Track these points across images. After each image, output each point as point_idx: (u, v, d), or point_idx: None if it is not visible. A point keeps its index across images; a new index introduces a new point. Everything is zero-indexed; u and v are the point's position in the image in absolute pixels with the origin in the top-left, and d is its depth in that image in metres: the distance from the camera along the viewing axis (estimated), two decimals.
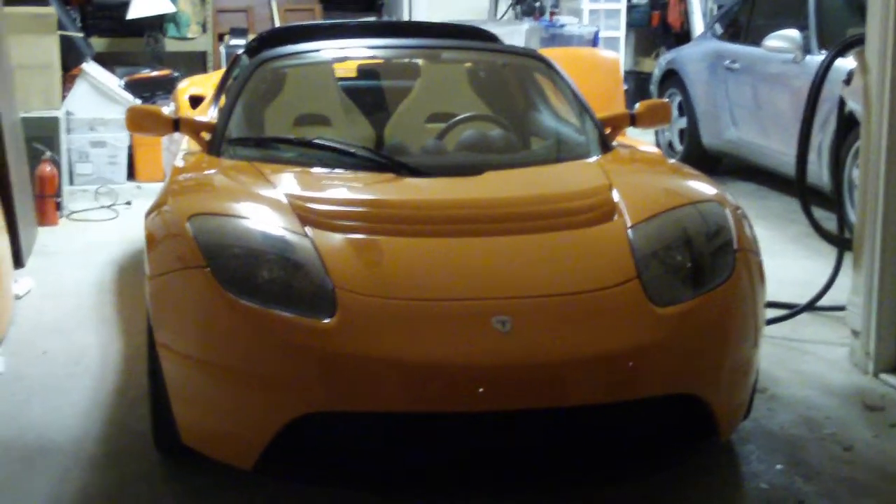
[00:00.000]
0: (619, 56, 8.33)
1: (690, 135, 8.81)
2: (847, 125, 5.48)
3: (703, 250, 3.54)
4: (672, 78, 9.12)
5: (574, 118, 4.66)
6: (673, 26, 11.55)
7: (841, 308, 4.94)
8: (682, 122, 8.94)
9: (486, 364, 3.12)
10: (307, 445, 3.20)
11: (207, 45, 10.30)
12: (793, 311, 5.15)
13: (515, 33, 9.12)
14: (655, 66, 9.78)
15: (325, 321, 3.17)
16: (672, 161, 4.61)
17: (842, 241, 5.04)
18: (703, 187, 3.94)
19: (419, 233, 3.52)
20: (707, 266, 3.49)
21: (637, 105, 4.70)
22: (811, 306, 5.18)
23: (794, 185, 5.43)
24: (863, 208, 4.61)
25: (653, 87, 9.54)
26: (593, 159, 4.27)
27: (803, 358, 4.76)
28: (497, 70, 5.19)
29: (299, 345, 3.15)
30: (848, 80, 4.76)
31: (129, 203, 7.68)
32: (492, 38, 5.52)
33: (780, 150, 7.44)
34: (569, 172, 4.17)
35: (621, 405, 3.22)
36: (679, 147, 9.03)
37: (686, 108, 8.84)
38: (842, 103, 4.92)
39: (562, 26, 9.71)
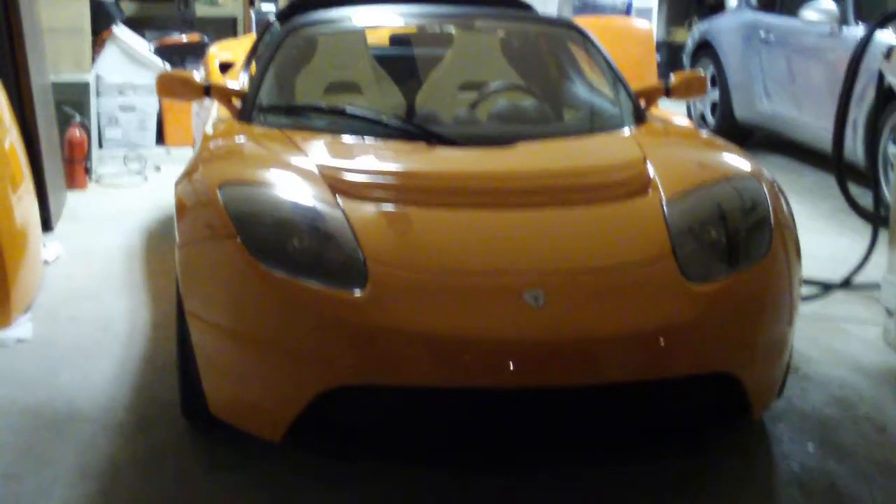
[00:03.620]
0: (651, 26, 8.23)
1: (723, 107, 8.72)
2: (885, 100, 5.40)
3: (738, 227, 3.49)
4: (705, 49, 9.01)
5: (608, 89, 4.60)
6: None
7: (875, 286, 4.88)
8: (715, 95, 8.83)
9: (518, 339, 3.08)
10: (336, 419, 3.17)
11: (238, 11, 10.25)
12: (826, 288, 5.09)
13: (549, 2, 9.03)
14: (689, 37, 9.67)
15: (356, 293, 3.14)
16: (706, 134, 4.53)
17: (877, 218, 4.96)
18: (739, 162, 3.88)
19: (451, 204, 3.48)
20: (743, 243, 3.44)
21: (671, 76, 4.63)
22: (845, 284, 5.12)
23: (829, 160, 5.37)
24: None
25: (686, 58, 9.43)
26: (627, 131, 4.22)
27: (836, 336, 4.70)
28: (531, 39, 5.13)
29: (329, 317, 3.12)
30: (888, 55, 4.68)
31: (158, 168, 7.67)
32: (525, 6, 5.47)
33: (814, 125, 7.35)
34: (603, 144, 4.12)
35: (654, 383, 3.17)
36: (711, 120, 8.93)
37: (719, 80, 8.74)
38: (881, 78, 4.83)
39: None
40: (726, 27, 8.83)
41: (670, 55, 10.71)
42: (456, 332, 3.08)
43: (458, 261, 3.26)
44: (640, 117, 4.39)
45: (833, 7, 7.21)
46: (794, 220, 3.70)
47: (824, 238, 6.07)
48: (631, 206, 3.54)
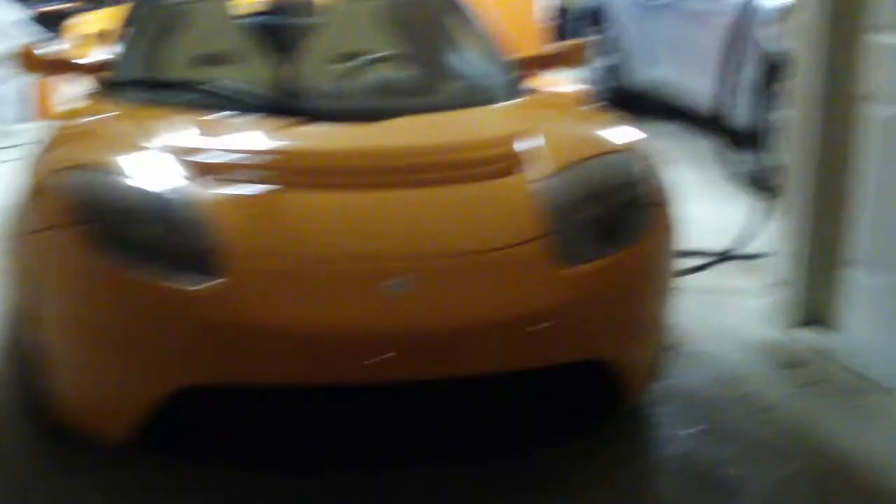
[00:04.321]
0: None
1: (617, 73, 8.61)
2: (769, 67, 5.31)
3: (611, 206, 3.36)
4: (599, 13, 8.88)
5: (484, 60, 4.43)
6: None
7: (761, 256, 4.79)
8: (608, 60, 8.71)
9: (379, 331, 2.91)
10: (188, 419, 2.98)
11: None
12: (711, 260, 5.00)
13: None
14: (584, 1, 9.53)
15: (207, 286, 2.93)
16: (587, 106, 4.37)
17: (761, 187, 4.86)
18: (615, 136, 3.74)
19: (313, 185, 3.28)
20: (616, 223, 3.31)
21: (549, 46, 4.48)
22: (730, 255, 5.02)
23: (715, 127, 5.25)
24: (795, 152, 4.43)
25: (580, 23, 9.29)
26: (503, 104, 4.05)
27: (721, 311, 4.61)
28: (407, 8, 4.91)
29: (179, 312, 2.91)
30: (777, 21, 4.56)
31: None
32: None
33: (700, 90, 7.23)
34: (475, 119, 3.95)
35: (523, 373, 3.03)
36: (607, 86, 8.81)
37: (613, 46, 8.62)
38: (763, 43, 4.71)
39: None
40: None
41: (571, 20, 10.49)
42: (312, 325, 2.90)
43: (316, 247, 3.07)
44: (517, 89, 4.23)
45: None
46: (670, 196, 3.57)
47: (713, 206, 5.94)
48: (500, 185, 3.37)
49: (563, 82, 7.41)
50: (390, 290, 2.94)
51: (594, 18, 9.02)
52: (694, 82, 7.36)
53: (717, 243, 5.12)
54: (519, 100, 4.12)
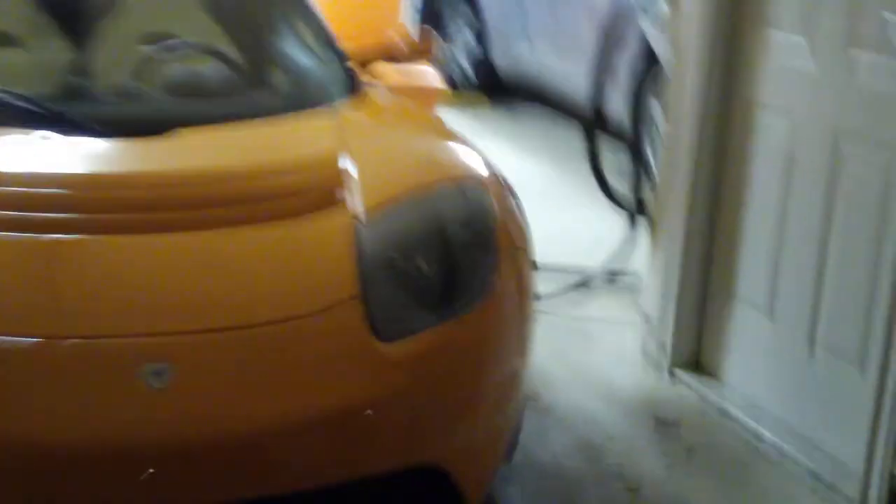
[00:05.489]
0: None
1: (483, 60, 7.90)
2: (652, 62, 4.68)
3: (453, 254, 2.63)
4: None
5: (312, 53, 3.66)
6: None
7: (637, 278, 4.17)
8: (473, 39, 8.01)
9: (134, 442, 2.14)
10: None
11: None
12: (578, 282, 4.36)
13: None
14: None
15: None
16: (433, 112, 3.63)
17: (635, 205, 4.22)
18: (462, 156, 3.03)
19: (51, 227, 2.42)
20: (458, 277, 2.58)
21: (394, 34, 3.76)
22: (605, 277, 4.39)
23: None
24: (667, 172, 3.80)
25: (445, 4, 8.56)
26: (332, 110, 3.28)
27: (588, 345, 3.98)
28: None
29: None
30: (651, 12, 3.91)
31: None
32: None
33: (574, 82, 6.58)
34: (292, 130, 3.16)
35: (333, 489, 2.30)
36: (471, 73, 8.11)
37: (476, 23, 7.92)
38: (643, 38, 4.07)
39: None
40: None
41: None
42: (42, 435, 2.11)
43: (47, 320, 2.27)
44: (349, 89, 3.48)
45: None
46: (527, 232, 2.89)
47: (589, 214, 5.28)
48: (310, 227, 2.59)
49: (416, 74, 6.69)
50: (150, 382, 2.18)
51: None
52: (568, 72, 6.68)
53: (589, 260, 4.47)
54: (354, 99, 3.37)
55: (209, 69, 3.55)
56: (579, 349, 3.93)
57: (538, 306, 3.95)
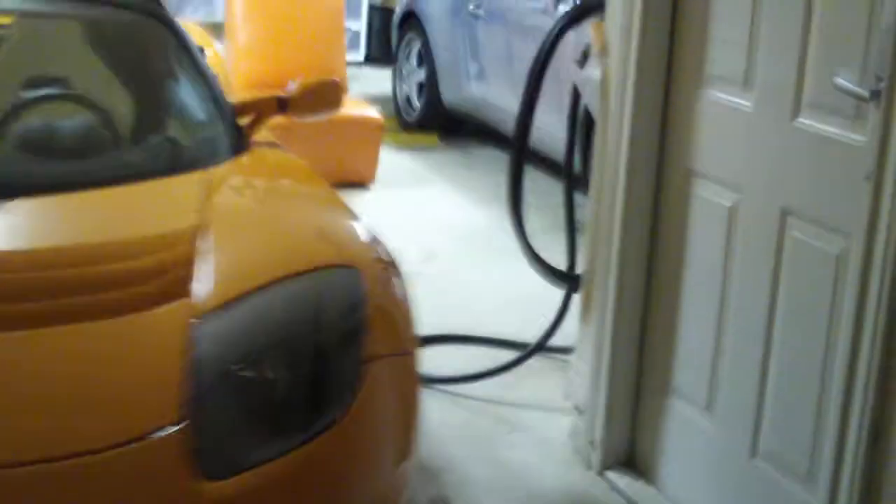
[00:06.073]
0: None
1: (430, 90, 7.48)
2: (587, 123, 4.25)
3: (313, 357, 2.20)
4: (413, 20, 7.73)
5: (195, 106, 3.22)
6: None
7: (570, 350, 3.72)
8: (423, 75, 7.59)
9: None
10: None
11: None
12: (509, 362, 3.90)
13: None
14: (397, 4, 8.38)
15: None
16: (322, 180, 3.15)
17: (568, 278, 3.76)
18: (342, 234, 2.60)
19: None
20: (317, 387, 2.16)
21: (292, 85, 3.30)
22: (537, 348, 3.92)
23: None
24: (594, 245, 3.35)
25: (393, 31, 8.15)
26: (205, 173, 2.84)
27: (514, 437, 3.52)
28: (105, 30, 3.59)
29: None
30: (582, 61, 3.46)
31: None
32: None
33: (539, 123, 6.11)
34: (151, 200, 2.72)
35: None
36: (417, 104, 7.68)
37: (426, 58, 7.50)
38: (576, 94, 3.62)
39: None
40: None
41: (386, 24, 9.33)
42: None
43: None
44: (239, 148, 3.05)
45: None
46: (411, 329, 2.44)
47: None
48: (140, 327, 2.16)
49: (360, 106, 6.26)
50: None
51: (404, 26, 7.87)
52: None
53: (529, 327, 4.01)
54: (236, 160, 2.93)
55: (72, 122, 3.11)
56: (504, 443, 3.48)
57: (463, 390, 3.52)
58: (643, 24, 3.04)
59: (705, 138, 2.92)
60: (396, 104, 7.87)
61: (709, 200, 2.92)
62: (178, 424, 1.98)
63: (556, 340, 3.89)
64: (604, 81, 3.24)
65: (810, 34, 2.52)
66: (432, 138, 7.47)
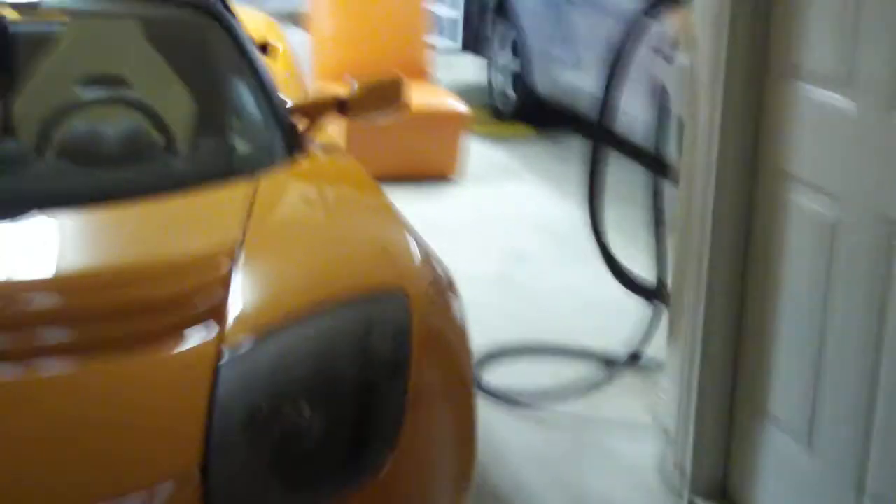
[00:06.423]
0: None
1: (524, 80, 7.20)
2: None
3: (351, 402, 1.97)
4: (505, 7, 7.45)
5: (247, 106, 3.02)
6: None
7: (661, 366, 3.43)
8: (517, 64, 7.30)
9: None
10: None
11: None
12: (609, 366, 3.63)
13: None
14: None
15: None
16: (378, 187, 2.91)
17: (656, 293, 3.47)
18: (392, 252, 2.37)
19: None
20: (358, 427, 1.93)
21: (354, 85, 3.09)
22: (631, 359, 3.65)
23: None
24: (680, 256, 3.06)
25: (486, 20, 7.89)
26: (252, 180, 2.62)
27: (596, 462, 3.26)
28: (152, 28, 3.40)
29: None
30: (668, 52, 3.17)
31: None
32: None
33: (626, 111, 5.79)
34: (191, 212, 2.51)
35: None
36: (512, 95, 7.41)
37: (519, 47, 7.22)
38: (663, 92, 3.32)
39: None
40: None
41: (481, 9, 9.03)
42: None
43: None
44: (291, 151, 2.84)
45: None
46: (466, 344, 2.22)
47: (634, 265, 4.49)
48: (164, 359, 1.97)
49: (439, 96, 6.01)
50: None
51: (497, 14, 7.59)
52: (626, 107, 5.85)
53: (618, 337, 3.74)
54: (275, 173, 2.72)
55: (116, 128, 2.94)
56: (585, 468, 3.22)
57: (541, 408, 3.27)
58: (733, 12, 2.74)
59: (802, 139, 2.61)
60: (491, 94, 7.61)
61: (807, 209, 2.61)
62: (191, 474, 1.77)
63: (647, 352, 3.61)
64: (690, 75, 2.94)
65: None
66: (527, 129, 7.21)
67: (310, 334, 2.02)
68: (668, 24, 3.11)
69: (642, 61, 3.47)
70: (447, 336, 2.21)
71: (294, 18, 7.09)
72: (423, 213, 5.52)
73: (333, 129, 3.10)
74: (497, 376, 3.69)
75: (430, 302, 2.21)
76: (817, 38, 2.52)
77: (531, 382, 3.66)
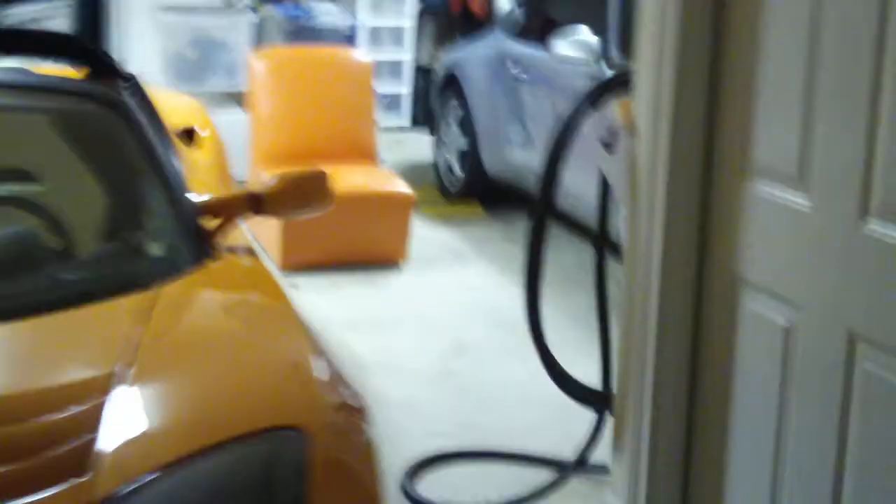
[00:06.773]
0: (369, 60, 6.49)
1: (472, 158, 7.00)
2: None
3: None
4: (454, 85, 7.27)
5: (148, 208, 2.76)
6: (476, 13, 9.55)
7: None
8: (465, 142, 7.10)
9: None
10: None
11: None
12: (560, 472, 3.36)
13: (238, 25, 7.10)
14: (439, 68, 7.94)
15: None
16: (284, 297, 2.64)
17: (600, 397, 3.23)
18: (291, 380, 2.10)
19: None
20: None
21: (272, 180, 2.83)
22: (578, 464, 3.38)
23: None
24: (625, 366, 2.82)
25: (433, 97, 7.70)
26: (149, 294, 2.36)
27: None
28: (60, 122, 3.12)
29: None
30: (609, 142, 2.95)
31: None
32: (85, 51, 3.40)
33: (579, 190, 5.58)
34: (70, 335, 2.25)
35: None
36: (460, 173, 7.20)
37: (467, 125, 7.03)
38: (605, 181, 3.11)
39: (311, 16, 7.71)
40: (474, 58, 7.11)
41: (429, 87, 8.83)
42: None
43: None
44: (200, 252, 2.58)
45: (592, 40, 5.56)
46: (374, 486, 1.96)
47: (588, 361, 4.19)
48: None
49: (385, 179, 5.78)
50: None
51: (445, 91, 7.41)
52: (576, 186, 5.63)
53: (555, 440, 3.48)
54: (175, 285, 2.45)
55: (5, 231, 2.66)
56: None
57: None
58: (676, 100, 2.53)
59: (754, 241, 2.38)
60: (438, 173, 7.40)
61: (761, 316, 2.38)
62: None
63: (595, 455, 3.35)
64: (632, 167, 2.72)
65: (880, 116, 1.99)
66: (475, 209, 6.99)
67: (182, 485, 1.77)
68: (611, 113, 2.90)
69: (585, 148, 3.24)
70: (352, 468, 1.96)
71: (237, 98, 6.85)
72: (364, 303, 5.27)
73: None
74: (431, 486, 3.41)
75: (334, 433, 1.95)
76: (769, 132, 2.31)
77: (470, 492, 3.39)
